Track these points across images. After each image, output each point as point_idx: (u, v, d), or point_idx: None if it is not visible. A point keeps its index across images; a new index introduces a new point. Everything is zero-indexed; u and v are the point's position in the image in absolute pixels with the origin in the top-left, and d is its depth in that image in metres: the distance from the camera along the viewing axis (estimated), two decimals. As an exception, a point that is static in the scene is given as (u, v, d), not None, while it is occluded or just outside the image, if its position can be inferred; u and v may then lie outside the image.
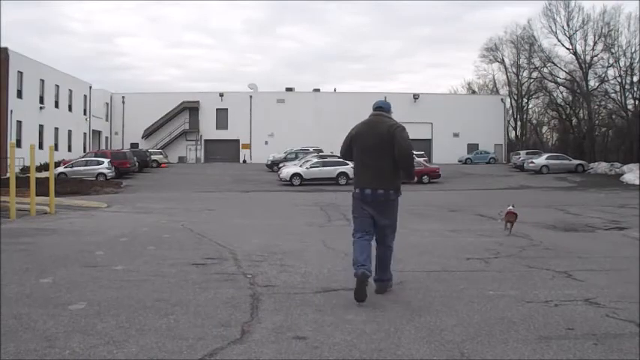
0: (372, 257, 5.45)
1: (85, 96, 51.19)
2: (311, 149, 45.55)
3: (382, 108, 5.67)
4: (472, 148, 58.51)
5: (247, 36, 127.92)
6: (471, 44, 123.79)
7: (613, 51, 52.36)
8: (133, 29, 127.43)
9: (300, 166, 35.16)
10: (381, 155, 5.43)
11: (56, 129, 43.94)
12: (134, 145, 54.46)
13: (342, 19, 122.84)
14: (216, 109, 59.61)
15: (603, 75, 54.16)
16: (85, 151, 47.07)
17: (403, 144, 5.40)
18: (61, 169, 33.48)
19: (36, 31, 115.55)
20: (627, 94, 52.26)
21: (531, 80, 63.53)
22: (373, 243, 5.57)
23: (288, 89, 62.85)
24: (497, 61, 67.07)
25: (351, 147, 5.67)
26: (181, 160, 57.97)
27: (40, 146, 36.67)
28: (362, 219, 5.52)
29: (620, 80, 52.56)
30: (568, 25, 54.93)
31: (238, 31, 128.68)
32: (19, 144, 32.72)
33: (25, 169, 29.62)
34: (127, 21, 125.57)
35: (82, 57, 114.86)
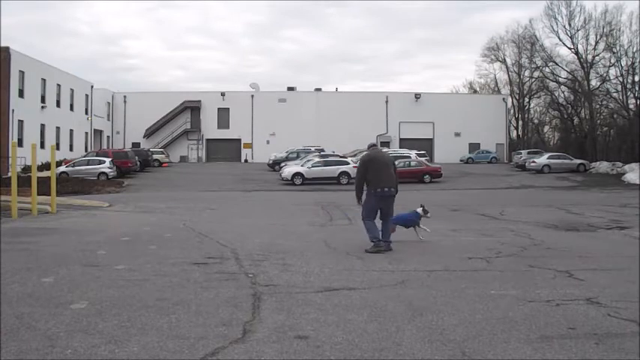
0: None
1: (87, 95, 51.16)
2: (312, 149, 45.41)
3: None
4: (474, 147, 58.36)
5: (249, 38, 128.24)
6: (471, 47, 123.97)
7: (614, 50, 52.27)
8: (138, 32, 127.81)
9: (302, 166, 35.10)
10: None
11: (58, 128, 43.90)
12: (136, 145, 54.39)
13: (342, 22, 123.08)
14: (218, 109, 59.50)
15: (605, 74, 54.13)
16: (86, 150, 47.06)
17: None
18: (62, 168, 33.47)
19: (43, 33, 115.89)
20: (629, 93, 52.16)
21: (533, 80, 63.40)
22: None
23: (290, 89, 62.64)
24: (499, 61, 67.01)
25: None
26: (183, 159, 57.86)
27: (42, 145, 36.61)
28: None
29: (621, 80, 52.47)
30: (569, 25, 54.91)
31: (241, 34, 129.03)
32: (20, 143, 32.75)
33: (26, 169, 29.63)
34: (133, 24, 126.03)
35: (88, 58, 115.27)
